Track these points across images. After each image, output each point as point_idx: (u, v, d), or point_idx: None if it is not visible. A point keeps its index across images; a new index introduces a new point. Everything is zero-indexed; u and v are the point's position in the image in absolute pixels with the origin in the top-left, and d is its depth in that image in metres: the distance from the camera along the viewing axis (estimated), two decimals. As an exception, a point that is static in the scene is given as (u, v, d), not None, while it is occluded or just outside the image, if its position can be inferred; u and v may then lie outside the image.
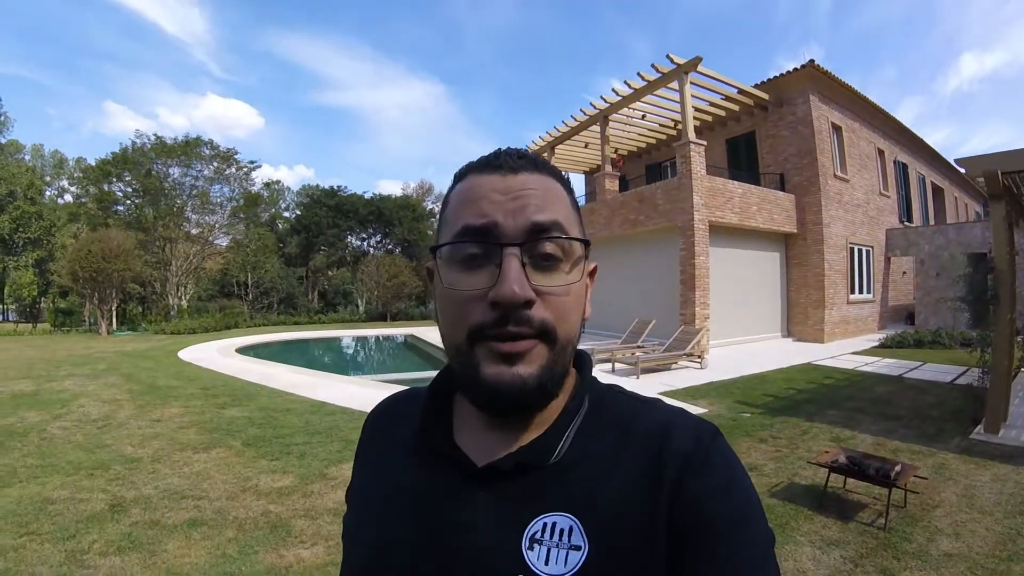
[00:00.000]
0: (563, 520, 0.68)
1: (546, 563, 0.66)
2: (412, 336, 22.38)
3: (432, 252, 0.75)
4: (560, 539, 0.67)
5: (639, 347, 13.72)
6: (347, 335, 25.41)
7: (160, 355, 15.74)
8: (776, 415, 7.98)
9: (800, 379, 10.95)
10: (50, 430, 7.31)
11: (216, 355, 15.56)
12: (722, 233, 15.49)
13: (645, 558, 0.65)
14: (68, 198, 38.08)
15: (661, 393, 9.40)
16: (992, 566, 3.73)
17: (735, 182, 16.01)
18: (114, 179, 34.55)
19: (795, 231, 17.40)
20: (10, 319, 41.09)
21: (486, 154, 0.79)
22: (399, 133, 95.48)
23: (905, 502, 4.65)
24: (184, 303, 32.88)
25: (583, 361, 0.84)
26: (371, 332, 25.78)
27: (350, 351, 23.02)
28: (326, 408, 8.63)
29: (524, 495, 0.71)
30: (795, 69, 16.92)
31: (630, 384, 10.27)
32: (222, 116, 76.81)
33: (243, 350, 17.53)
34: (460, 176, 0.79)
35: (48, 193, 39.76)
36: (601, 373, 11.53)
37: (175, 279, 32.08)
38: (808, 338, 17.22)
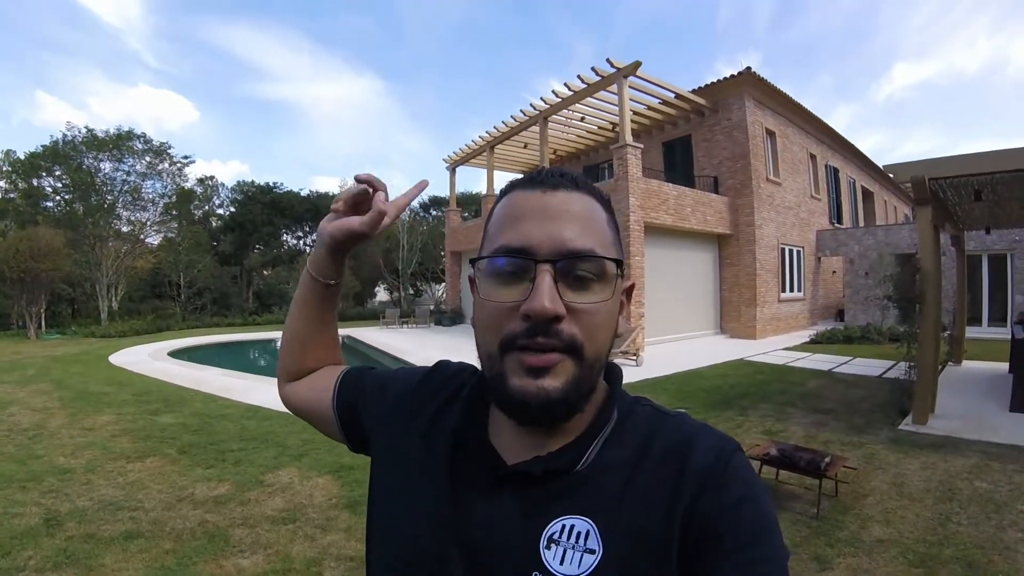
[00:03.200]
0: (581, 523, 0.71)
1: (561, 563, 0.69)
2: (350, 337, 22.15)
3: (472, 264, 0.79)
4: (576, 541, 0.70)
5: (574, 345, 13.79)
6: (282, 336, 24.72)
7: (91, 360, 15.28)
8: (710, 410, 8.22)
9: (733, 374, 11.28)
10: None
11: (148, 359, 15.18)
12: (657, 234, 15.86)
13: (656, 570, 0.67)
14: None
15: None
16: (923, 550, 3.92)
17: (671, 184, 16.37)
18: (43, 173, 33.24)
19: (728, 232, 17.91)
20: None
21: (530, 173, 0.83)
22: (337, 128, 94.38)
23: (837, 492, 4.85)
24: (115, 305, 31.74)
25: (614, 374, 0.88)
26: (307, 333, 25.21)
27: (286, 352, 22.44)
28: (261, 413, 8.53)
29: (547, 497, 0.74)
30: (732, 76, 17.34)
31: None
32: (155, 108, 74.08)
33: (176, 353, 17.11)
34: (505, 192, 0.83)
35: None
36: None
37: (105, 279, 30.79)
38: (741, 335, 17.74)
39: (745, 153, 17.51)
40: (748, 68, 16.98)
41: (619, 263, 0.77)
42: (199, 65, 77.05)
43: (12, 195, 34.07)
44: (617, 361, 9.07)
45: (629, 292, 0.85)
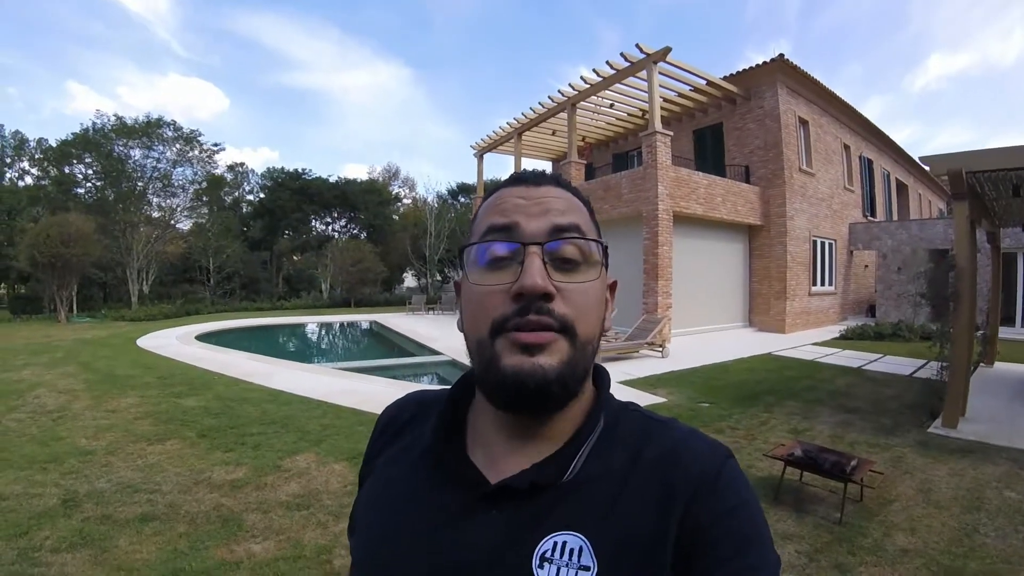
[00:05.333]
0: (573, 540, 0.68)
1: None
2: (376, 323, 22.24)
3: (460, 251, 0.81)
4: (570, 559, 0.67)
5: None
6: (310, 321, 25.14)
7: (119, 343, 15.46)
8: (735, 406, 8.04)
9: (760, 369, 11.08)
10: (4, 422, 7.16)
11: (175, 343, 15.32)
12: (686, 223, 15.63)
13: None
14: (28, 180, 37.07)
15: (621, 383, 9.45)
16: (948, 562, 3.75)
17: (700, 173, 16.15)
18: (75, 161, 33.74)
19: (759, 223, 17.60)
20: None
21: (512, 174, 0.85)
22: (365, 116, 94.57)
23: (861, 496, 4.68)
24: (145, 289, 32.27)
25: (602, 379, 0.85)
26: (334, 318, 25.58)
27: (313, 338, 22.76)
28: (283, 397, 8.53)
29: (536, 513, 0.71)
30: (764, 63, 17.05)
31: None
32: (185, 96, 75.55)
33: (203, 337, 17.26)
34: (489, 193, 0.83)
35: (8, 175, 38.45)
36: None
37: (136, 264, 31.42)
38: (770, 328, 17.46)
39: (777, 142, 17.18)
40: (781, 55, 16.67)
41: (605, 248, 0.79)
42: (228, 54, 78.47)
43: (44, 182, 34.76)
44: (643, 352, 8.94)
45: (612, 289, 0.85)
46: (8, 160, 39.30)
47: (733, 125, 18.64)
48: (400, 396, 1.02)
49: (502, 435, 0.78)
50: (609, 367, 10.88)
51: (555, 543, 0.68)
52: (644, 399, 8.24)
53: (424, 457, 0.83)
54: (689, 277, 15.75)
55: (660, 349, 12.49)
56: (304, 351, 19.35)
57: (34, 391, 9.02)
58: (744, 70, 17.61)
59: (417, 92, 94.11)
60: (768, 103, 17.41)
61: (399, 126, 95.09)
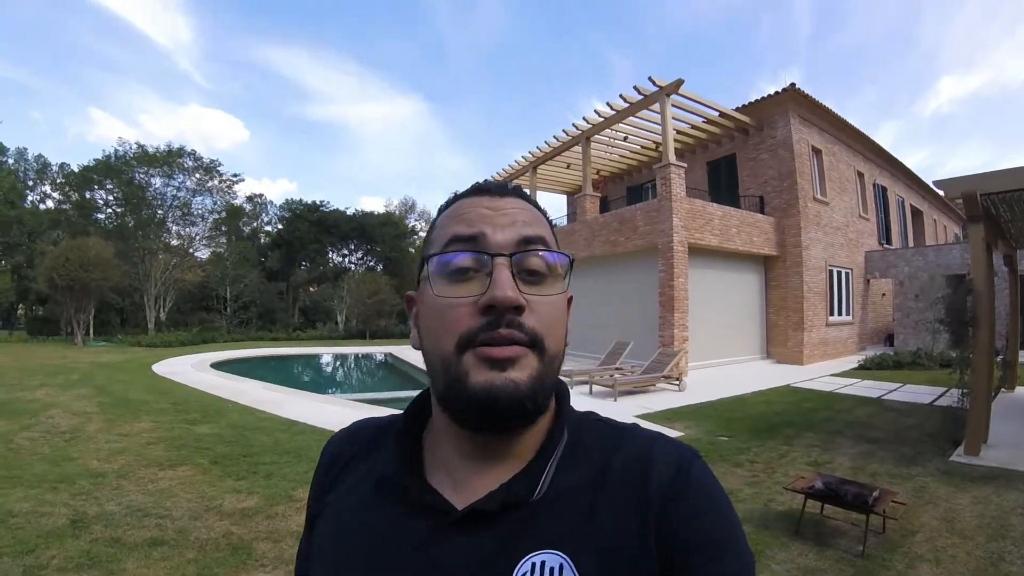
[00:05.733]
0: (552, 558, 0.66)
1: None
2: (391, 355, 22.18)
3: (421, 263, 0.76)
4: None
5: (617, 369, 13.60)
6: (325, 352, 25.18)
7: (134, 368, 15.56)
8: (753, 438, 7.91)
9: (779, 401, 10.93)
10: (17, 441, 7.20)
11: (191, 370, 15.38)
12: (702, 255, 15.55)
13: None
14: (50, 204, 38.31)
15: (638, 416, 9.30)
16: (973, 593, 3.66)
17: (715, 204, 16.11)
18: (96, 186, 34.50)
19: (775, 253, 17.48)
20: None
21: (473, 184, 0.82)
22: (383, 148, 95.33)
23: (884, 528, 4.57)
24: (163, 315, 32.66)
25: (561, 391, 0.82)
26: (349, 350, 25.58)
27: (327, 369, 22.78)
28: (296, 427, 8.48)
29: (510, 535, 0.68)
30: (776, 92, 17.05)
31: (607, 407, 10.26)
32: (206, 126, 76.78)
33: (218, 365, 17.31)
34: (448, 203, 0.81)
35: (30, 198, 39.45)
36: (579, 396, 11.49)
37: (154, 291, 31.95)
38: (787, 360, 17.26)
39: (791, 172, 17.12)
40: (792, 84, 16.68)
41: (571, 261, 0.77)
42: (249, 86, 79.80)
43: (65, 206, 35.42)
44: (660, 386, 8.83)
45: (569, 303, 0.80)
46: (31, 183, 40.38)
47: (746, 156, 18.60)
48: (347, 425, 0.97)
49: (464, 457, 0.75)
50: (626, 400, 10.93)
51: (534, 563, 0.66)
52: (664, 433, 8.10)
53: (383, 488, 0.78)
54: (705, 309, 15.62)
55: (677, 382, 12.32)
56: (319, 382, 19.35)
57: (48, 411, 9.07)
58: (756, 101, 17.61)
59: (434, 124, 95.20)
60: (781, 133, 17.38)
61: (416, 158, 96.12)
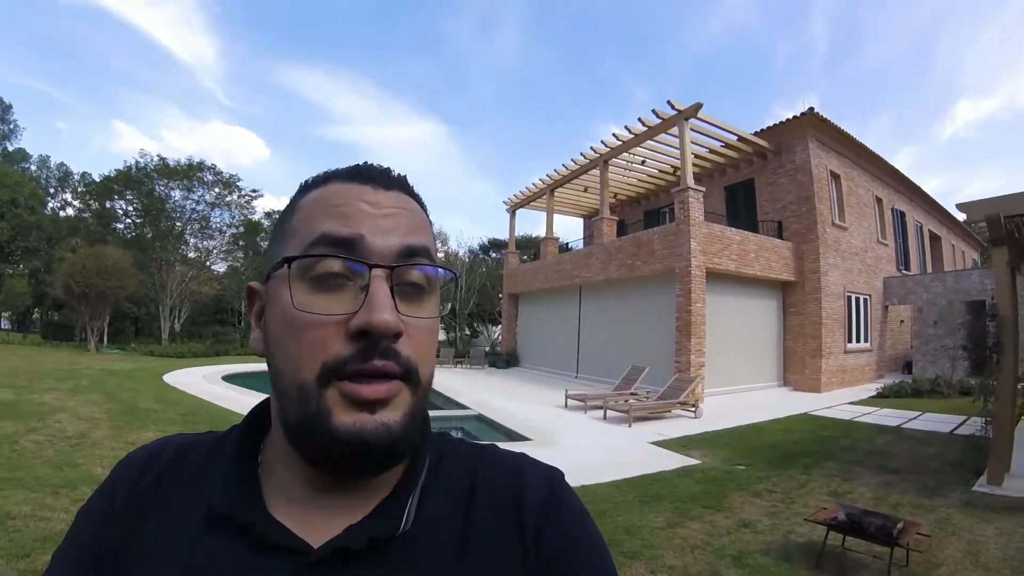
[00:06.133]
0: None
1: None
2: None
3: (278, 266, 0.61)
4: None
5: (632, 394, 13.40)
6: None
7: (145, 376, 15.52)
8: (772, 467, 7.72)
9: (796, 430, 10.72)
10: (22, 443, 7.15)
11: (201, 381, 15.34)
12: (719, 280, 15.39)
13: None
14: (70, 211, 39.34)
15: (653, 443, 9.22)
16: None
17: (733, 229, 15.98)
18: (116, 196, 35.09)
19: (793, 279, 17.26)
20: (2, 327, 41.81)
21: (351, 165, 0.69)
22: (403, 170, 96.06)
23: (907, 560, 4.40)
24: (177, 326, 32.99)
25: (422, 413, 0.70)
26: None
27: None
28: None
29: (381, 573, 0.59)
30: (794, 117, 16.94)
31: (622, 433, 10.22)
32: (227, 143, 78.29)
33: (230, 378, 17.21)
34: (317, 182, 0.68)
35: (51, 205, 40.69)
36: (593, 421, 11.44)
37: (169, 301, 32.37)
38: (805, 387, 16.94)
39: (809, 196, 16.95)
40: (811, 109, 16.56)
41: (456, 279, 0.71)
42: (271, 105, 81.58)
43: (85, 215, 36.06)
44: (675, 412, 8.72)
45: None
46: (52, 190, 42.03)
47: (765, 180, 18.47)
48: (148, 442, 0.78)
49: (311, 486, 0.63)
50: (640, 427, 10.73)
51: None
52: (677, 461, 7.99)
53: (216, 525, 0.61)
54: (722, 335, 15.39)
55: (693, 409, 12.09)
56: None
57: (55, 415, 9.02)
58: (774, 125, 17.52)
59: (453, 148, 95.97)
60: (799, 157, 17.23)
61: (434, 180, 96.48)
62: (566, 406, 12.98)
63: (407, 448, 0.60)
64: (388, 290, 0.58)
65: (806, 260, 17.11)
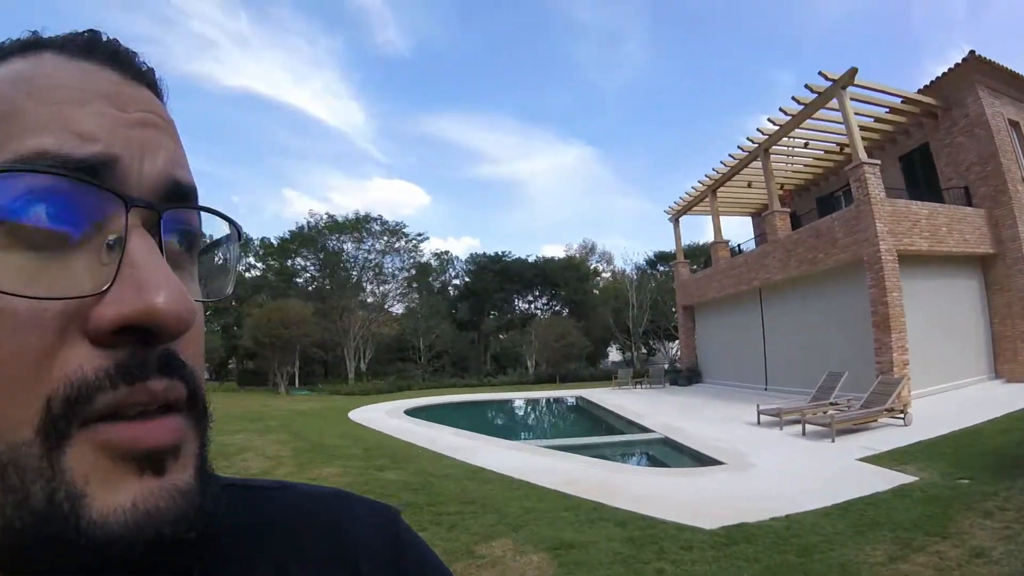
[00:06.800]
0: None
1: None
2: (582, 399, 21.84)
3: None
4: None
5: (832, 404, 12.40)
6: (515, 397, 25.21)
7: (331, 414, 16.37)
8: (998, 479, 6.66)
9: (1019, 430, 9.38)
10: None
11: (385, 416, 15.86)
12: (910, 263, 13.93)
13: None
14: (255, 272, 43.61)
15: (861, 460, 8.31)
16: None
17: (918, 202, 14.58)
18: (293, 255, 39.31)
19: (991, 251, 15.39)
20: None
21: (77, 32, 0.41)
22: (555, 197, 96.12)
23: None
24: (362, 366, 35.15)
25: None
26: (539, 394, 25.35)
27: (518, 413, 22.79)
28: (485, 475, 8.21)
29: None
30: (957, 65, 15.34)
31: (823, 449, 9.39)
32: (389, 196, 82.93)
33: (412, 412, 17.73)
34: (14, 50, 0.39)
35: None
36: (789, 438, 10.60)
37: (353, 344, 34.40)
38: (1020, 378, 14.84)
39: (993, 153, 15.12)
40: (972, 52, 14.88)
41: (238, 231, 0.45)
42: (423, 155, 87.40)
43: (270, 275, 40.87)
44: (882, 420, 7.74)
45: None
46: None
47: (940, 142, 16.72)
48: None
49: None
50: (845, 440, 9.85)
51: None
52: (891, 479, 7.04)
53: None
54: (919, 326, 13.77)
55: (901, 416, 10.90)
56: (510, 427, 19.36)
57: (243, 455, 9.54)
58: (937, 79, 15.93)
59: (601, 168, 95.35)
60: (972, 110, 15.47)
61: (589, 202, 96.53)
62: (758, 423, 12.15)
63: (207, 516, 0.36)
64: (158, 250, 0.35)
65: (1002, 227, 15.24)
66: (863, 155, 13.65)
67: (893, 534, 5.04)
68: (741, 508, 5.96)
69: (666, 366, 29.33)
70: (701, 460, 9.35)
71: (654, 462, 10.85)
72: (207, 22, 68.90)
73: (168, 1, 65.09)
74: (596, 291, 46.66)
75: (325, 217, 38.26)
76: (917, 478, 7.05)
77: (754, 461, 8.65)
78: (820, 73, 13.89)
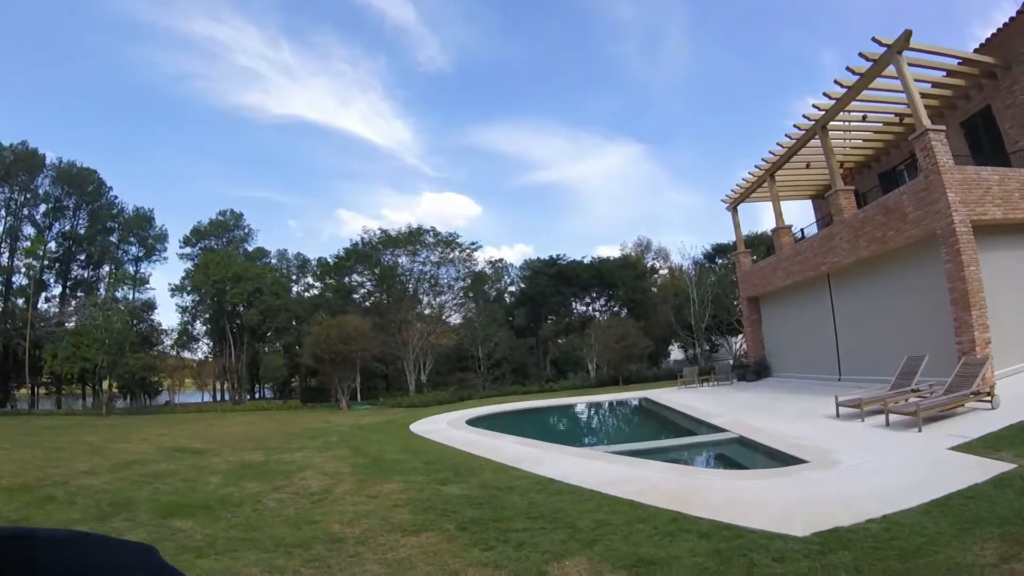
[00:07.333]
0: None
1: None
2: (647, 399, 21.35)
3: None
4: None
5: (914, 391, 11.74)
6: (577, 401, 24.80)
7: (392, 428, 16.27)
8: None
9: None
10: (265, 501, 7.38)
11: (446, 427, 15.65)
12: (984, 234, 13.07)
13: None
14: (315, 292, 45.48)
15: (953, 448, 7.73)
16: None
17: (988, 168, 13.74)
18: (350, 272, 39.96)
19: (1071, 212, 14.37)
20: (264, 397, 47.21)
21: None
22: (608, 198, 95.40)
23: None
24: (423, 378, 35.24)
25: None
26: (602, 397, 24.96)
27: (582, 418, 22.39)
28: (553, 486, 7.80)
29: None
30: (1011, 19, 14.43)
31: (911, 440, 8.84)
32: (441, 209, 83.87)
33: (473, 421, 17.50)
34: None
35: (295, 289, 48.11)
36: (875, 429, 10.04)
37: (412, 356, 34.60)
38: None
39: None
40: None
41: None
42: (472, 167, 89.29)
43: (328, 293, 42.18)
44: (968, 405, 7.29)
45: None
46: (294, 277, 50.34)
47: (1003, 103, 15.74)
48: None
49: None
50: (932, 429, 9.24)
51: None
52: (988, 468, 6.46)
53: None
54: (1000, 302, 12.92)
55: (988, 398, 10.22)
56: (573, 433, 19.01)
57: (302, 473, 9.39)
58: (993, 35, 15.03)
59: (652, 166, 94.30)
60: None
61: (642, 200, 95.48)
62: (837, 415, 11.58)
63: None
64: None
65: (1077, 187, 14.23)
66: (927, 121, 12.98)
67: (1001, 530, 4.54)
68: (832, 511, 5.51)
69: (731, 361, 28.64)
70: (782, 459, 8.79)
71: (731, 464, 10.33)
72: (251, 55, 70.88)
73: (212, 38, 66.80)
74: (654, 289, 46.01)
75: (379, 233, 38.63)
76: (1015, 465, 6.50)
77: (839, 457, 8.07)
78: (874, 39, 13.29)
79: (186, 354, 47.04)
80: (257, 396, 48.25)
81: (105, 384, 37.22)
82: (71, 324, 37.36)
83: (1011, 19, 14.49)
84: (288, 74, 76.10)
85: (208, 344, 48.03)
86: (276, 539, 5.63)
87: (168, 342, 45.92)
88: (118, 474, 9.80)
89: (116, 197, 48.12)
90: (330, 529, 5.99)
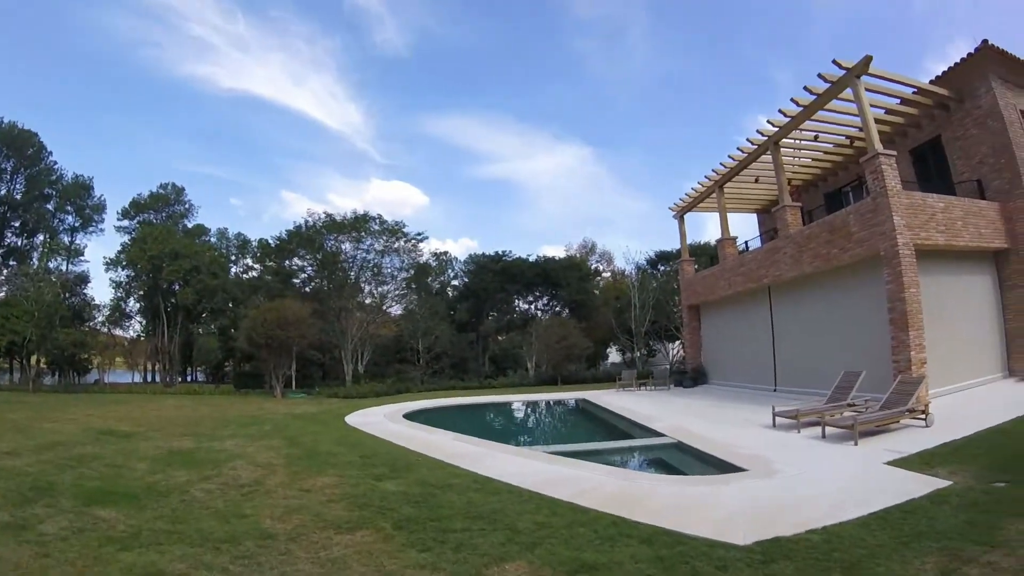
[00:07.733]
0: None
1: None
2: (585, 400, 21.40)
3: None
4: None
5: (850, 405, 11.99)
6: (517, 399, 24.76)
7: (327, 419, 15.93)
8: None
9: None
10: (193, 492, 7.11)
11: (383, 420, 15.40)
12: (926, 258, 13.46)
13: None
14: (253, 274, 44.35)
15: (889, 463, 7.89)
16: None
17: (934, 195, 14.14)
18: (291, 255, 38.86)
19: (1006, 245, 14.97)
20: (197, 380, 46.53)
21: None
22: (556, 197, 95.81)
23: None
24: (360, 368, 34.71)
25: None
26: (542, 396, 24.91)
27: (521, 417, 22.32)
28: (492, 485, 7.64)
29: None
30: (969, 55, 14.98)
31: (847, 453, 9.00)
32: (388, 197, 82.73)
33: (411, 415, 17.28)
34: None
35: (234, 270, 46.88)
36: (809, 440, 10.23)
37: (350, 345, 34.03)
38: (1036, 375, 14.48)
39: (1006, 145, 14.72)
40: (985, 41, 14.49)
41: None
42: (422, 156, 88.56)
43: (267, 276, 41.05)
44: (903, 422, 7.27)
45: None
46: (233, 257, 48.71)
47: (952, 135, 16.34)
48: None
49: None
50: (868, 444, 9.36)
51: None
52: (925, 484, 6.61)
53: None
54: (934, 325, 13.31)
55: (923, 417, 10.56)
56: (513, 431, 18.93)
57: (231, 463, 9.06)
58: (949, 69, 15.60)
59: (601, 168, 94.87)
60: (985, 101, 15.12)
61: (589, 202, 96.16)
62: (774, 425, 11.78)
63: None
64: None
65: (1016, 221, 14.87)
66: (879, 146, 13.25)
67: (939, 544, 4.62)
68: (773, 520, 5.54)
69: (669, 367, 28.99)
70: (721, 467, 8.84)
71: (670, 469, 10.27)
72: (205, 25, 67.96)
73: (165, 4, 64.37)
74: (597, 291, 46.14)
75: (323, 217, 37.79)
76: (951, 482, 6.66)
77: (778, 467, 8.15)
78: (834, 62, 13.52)
79: (118, 332, 45.87)
80: (189, 379, 47.06)
81: (33, 359, 36.07)
82: (0, 294, 36.05)
83: (969, 55, 15.01)
84: (242, 47, 73.86)
85: (141, 323, 46.66)
86: (204, 533, 5.36)
87: (100, 318, 44.68)
88: (42, 455, 9.40)
89: (56, 163, 46.58)
90: (261, 524, 5.74)
